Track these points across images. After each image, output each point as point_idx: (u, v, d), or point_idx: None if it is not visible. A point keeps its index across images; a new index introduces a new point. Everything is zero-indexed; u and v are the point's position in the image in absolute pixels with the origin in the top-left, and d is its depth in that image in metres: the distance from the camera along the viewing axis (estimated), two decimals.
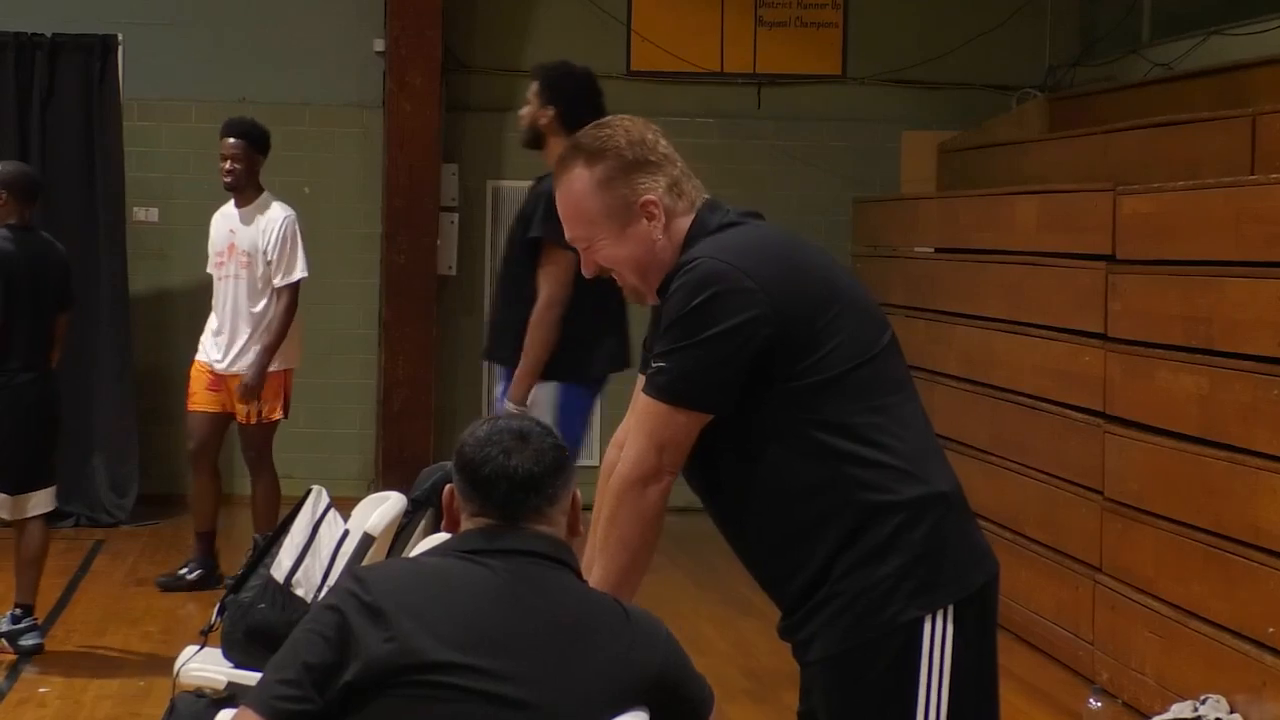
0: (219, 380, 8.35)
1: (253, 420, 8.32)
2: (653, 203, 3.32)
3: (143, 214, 10.68)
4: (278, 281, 8.33)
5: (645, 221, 3.32)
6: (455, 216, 10.99)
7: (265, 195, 8.41)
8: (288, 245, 8.32)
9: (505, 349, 6.58)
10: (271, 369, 8.31)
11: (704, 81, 11.17)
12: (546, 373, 6.47)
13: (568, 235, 3.41)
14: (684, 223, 3.34)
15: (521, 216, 6.62)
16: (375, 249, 10.82)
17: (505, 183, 11.16)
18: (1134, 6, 10.66)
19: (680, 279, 3.22)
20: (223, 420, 8.43)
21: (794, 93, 11.32)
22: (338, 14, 10.85)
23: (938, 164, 10.83)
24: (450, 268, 10.94)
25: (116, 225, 10.35)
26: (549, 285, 6.42)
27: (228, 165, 8.27)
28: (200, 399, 8.41)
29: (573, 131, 6.58)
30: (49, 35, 10.38)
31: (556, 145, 6.62)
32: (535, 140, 6.67)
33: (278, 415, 8.41)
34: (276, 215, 8.34)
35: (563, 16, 11.10)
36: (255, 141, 8.33)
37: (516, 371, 6.43)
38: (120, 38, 10.50)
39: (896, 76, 11.25)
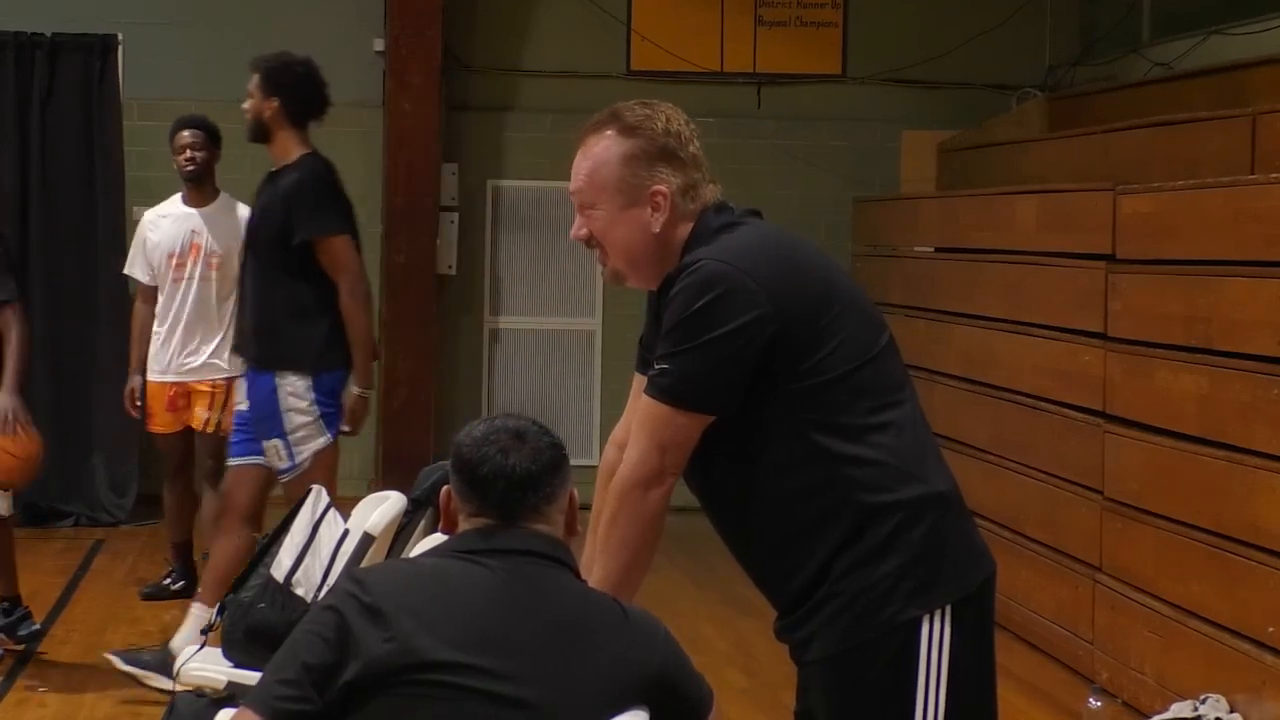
0: (175, 399, 8.14)
1: (210, 429, 8.13)
2: (661, 194, 3.33)
3: (142, 214, 10.64)
4: None
5: (649, 211, 3.33)
6: (455, 216, 10.99)
7: (224, 195, 8.28)
8: None
9: (251, 348, 6.58)
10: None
11: (704, 81, 11.16)
12: (296, 365, 6.48)
13: (571, 189, 3.40)
14: (690, 226, 3.34)
15: (266, 218, 6.54)
16: (375, 248, 10.78)
17: (505, 182, 11.17)
18: (1134, 6, 10.67)
19: (683, 281, 3.23)
20: (189, 433, 8.22)
21: (794, 92, 11.32)
22: (338, 14, 10.85)
23: (937, 164, 10.82)
24: (450, 267, 10.94)
25: (116, 225, 10.34)
26: (344, 277, 6.47)
27: (188, 154, 8.10)
28: (161, 420, 8.19)
29: (297, 123, 6.69)
30: (49, 35, 10.39)
31: (283, 137, 6.62)
32: (260, 133, 6.62)
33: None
34: (247, 214, 8.28)
35: (563, 16, 11.11)
36: (212, 134, 8.21)
37: (356, 361, 6.49)
38: (120, 37, 10.51)
39: (896, 76, 11.25)
